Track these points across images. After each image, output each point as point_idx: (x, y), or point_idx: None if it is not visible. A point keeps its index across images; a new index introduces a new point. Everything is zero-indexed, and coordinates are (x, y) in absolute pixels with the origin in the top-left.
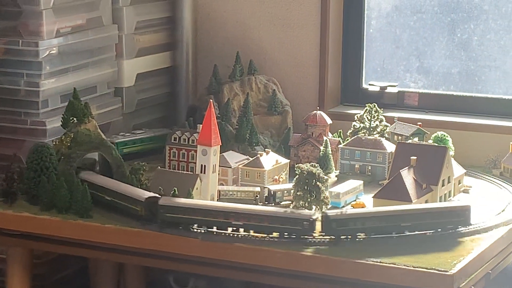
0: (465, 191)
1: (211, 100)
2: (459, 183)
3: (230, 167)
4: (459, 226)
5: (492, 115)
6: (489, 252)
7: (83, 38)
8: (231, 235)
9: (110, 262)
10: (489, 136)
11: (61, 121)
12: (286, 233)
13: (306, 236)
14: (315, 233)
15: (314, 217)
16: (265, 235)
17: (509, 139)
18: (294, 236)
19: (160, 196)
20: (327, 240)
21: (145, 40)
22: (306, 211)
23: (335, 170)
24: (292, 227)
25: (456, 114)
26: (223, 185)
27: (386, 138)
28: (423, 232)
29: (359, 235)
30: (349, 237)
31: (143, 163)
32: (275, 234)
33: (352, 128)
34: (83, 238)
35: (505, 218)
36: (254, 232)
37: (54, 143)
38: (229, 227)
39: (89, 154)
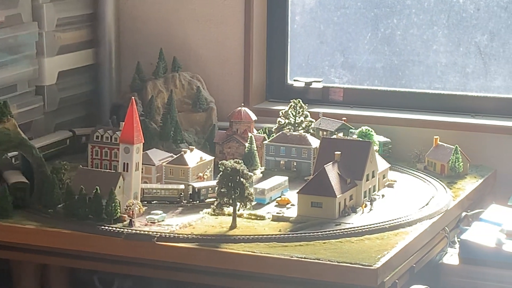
0: (390, 186)
1: (133, 98)
2: (384, 178)
3: (154, 165)
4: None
5: (416, 109)
6: (413, 246)
7: (1, 36)
8: (155, 233)
9: (33, 263)
10: (413, 131)
11: None
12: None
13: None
14: None
15: None
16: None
17: (433, 133)
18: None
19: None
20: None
21: (67, 38)
22: None
23: (260, 166)
24: None
25: (380, 109)
26: (147, 183)
27: (311, 134)
28: (349, 227)
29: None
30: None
31: (65, 162)
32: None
33: (277, 124)
34: (2, 239)
35: (428, 212)
36: None
37: None
38: None
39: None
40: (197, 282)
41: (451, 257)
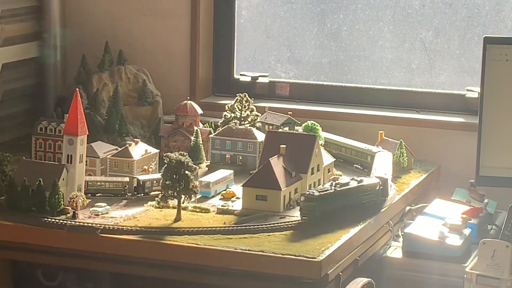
0: (335, 180)
1: (77, 89)
2: (329, 172)
3: (98, 157)
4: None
5: (362, 104)
6: (357, 239)
7: None
8: (99, 225)
9: None
10: (359, 125)
11: None
12: None
13: None
14: None
15: None
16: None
17: (378, 128)
18: None
19: None
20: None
21: (11, 30)
22: None
23: (206, 160)
24: None
25: (326, 104)
26: (91, 175)
27: (257, 128)
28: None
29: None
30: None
31: (7, 154)
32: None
33: (223, 118)
34: None
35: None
36: None
37: None
38: None
39: None
40: (141, 274)
41: (395, 251)
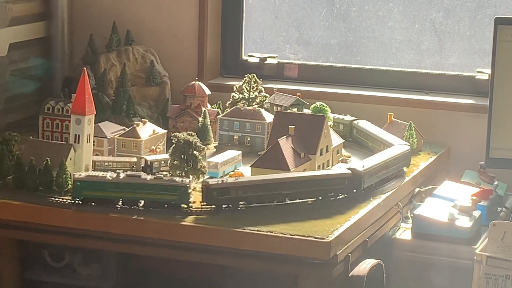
0: (344, 161)
1: (85, 69)
2: (337, 153)
3: (106, 138)
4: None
5: (371, 86)
6: (366, 220)
7: None
8: (106, 205)
9: None
10: (368, 107)
11: None
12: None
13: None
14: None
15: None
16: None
17: (388, 110)
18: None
19: None
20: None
21: (18, 9)
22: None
23: (214, 141)
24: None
25: (335, 86)
26: (99, 155)
27: (265, 109)
28: (304, 200)
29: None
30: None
31: (15, 134)
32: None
33: (231, 99)
34: None
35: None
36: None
37: None
38: None
39: None
40: (149, 254)
41: (404, 232)
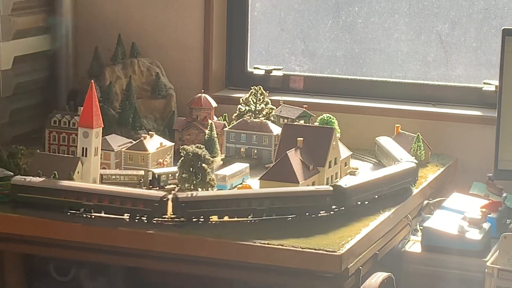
0: (352, 173)
1: (92, 81)
2: (346, 165)
3: (113, 151)
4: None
5: (377, 97)
6: (376, 233)
7: None
8: (115, 219)
9: None
10: (374, 119)
11: None
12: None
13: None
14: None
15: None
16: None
17: (394, 122)
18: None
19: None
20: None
21: (23, 22)
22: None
23: (221, 153)
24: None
25: (341, 97)
26: (106, 168)
27: (272, 121)
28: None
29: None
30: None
31: (22, 147)
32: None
33: (237, 111)
34: None
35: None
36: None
37: None
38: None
39: None
40: (156, 268)
41: (414, 245)
